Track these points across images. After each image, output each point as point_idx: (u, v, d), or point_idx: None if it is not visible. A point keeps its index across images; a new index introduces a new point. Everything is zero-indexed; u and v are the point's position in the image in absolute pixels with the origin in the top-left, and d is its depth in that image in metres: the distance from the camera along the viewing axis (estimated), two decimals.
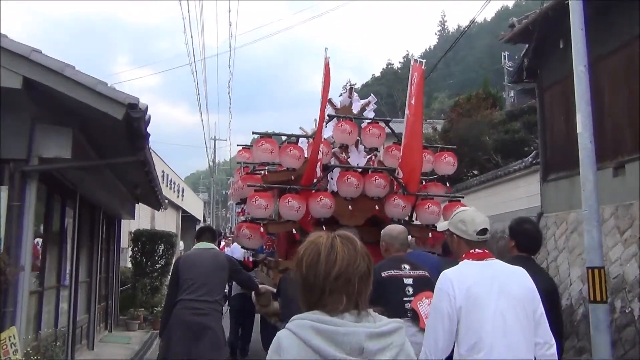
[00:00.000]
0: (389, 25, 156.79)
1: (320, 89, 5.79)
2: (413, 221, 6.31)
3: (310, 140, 6.58)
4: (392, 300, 3.35)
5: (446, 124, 14.85)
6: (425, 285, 3.62)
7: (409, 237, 4.72)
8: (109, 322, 9.42)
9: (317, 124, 5.79)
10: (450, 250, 2.96)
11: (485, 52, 61.45)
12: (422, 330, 3.01)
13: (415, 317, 3.51)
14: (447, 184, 7.14)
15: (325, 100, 5.85)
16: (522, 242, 3.73)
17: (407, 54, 74.14)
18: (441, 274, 2.62)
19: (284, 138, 6.86)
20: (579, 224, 9.65)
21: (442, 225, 3.05)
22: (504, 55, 42.83)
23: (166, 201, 11.09)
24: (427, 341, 2.52)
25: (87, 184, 6.08)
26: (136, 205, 16.42)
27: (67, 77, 3.76)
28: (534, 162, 11.40)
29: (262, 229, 5.63)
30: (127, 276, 11.24)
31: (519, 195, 12.07)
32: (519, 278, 2.59)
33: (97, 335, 8.28)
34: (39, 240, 5.29)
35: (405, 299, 3.57)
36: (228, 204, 71.90)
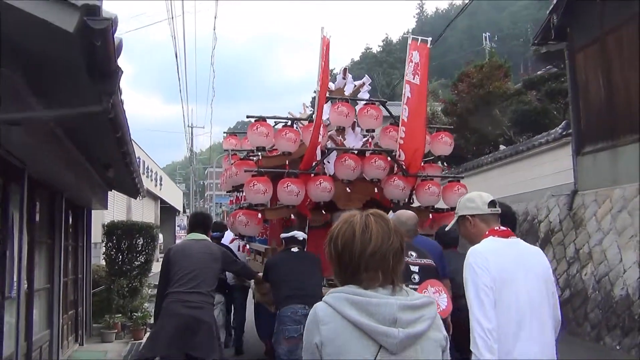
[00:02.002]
0: (365, 9, 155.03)
1: (318, 70, 5.56)
2: (412, 203, 6.19)
3: (302, 124, 6.47)
4: None
5: (453, 97, 13.49)
6: (431, 273, 3.67)
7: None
8: (79, 333, 7.81)
9: (317, 105, 5.55)
10: (464, 236, 2.88)
11: (465, 34, 60.75)
12: None
13: None
14: (445, 164, 7.37)
15: (326, 81, 5.68)
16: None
17: (386, 37, 73.14)
18: (470, 249, 2.60)
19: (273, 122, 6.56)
20: (627, 201, 8.38)
21: (452, 223, 2.95)
22: (485, 37, 42.09)
23: (145, 188, 9.45)
24: (476, 322, 2.42)
25: (40, 161, 4.49)
26: (110, 194, 14.75)
27: None
28: (564, 133, 10.08)
29: (259, 215, 5.52)
30: (101, 276, 9.62)
31: (543, 172, 10.75)
32: (540, 258, 2.65)
33: (63, 352, 6.69)
34: None
35: (410, 286, 3.18)
36: (206, 194, 70.74)
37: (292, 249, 4.92)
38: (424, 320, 1.60)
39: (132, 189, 7.93)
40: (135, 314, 8.50)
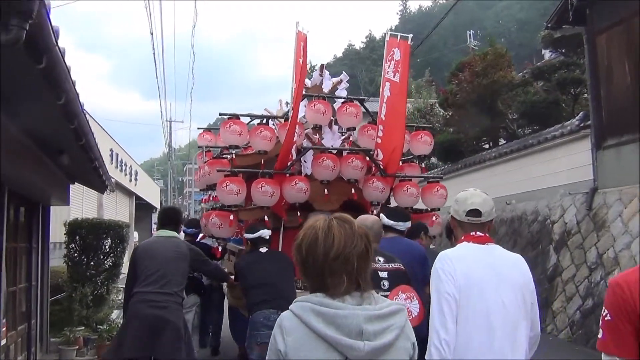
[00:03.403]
0: (347, 5, 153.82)
1: (294, 66, 5.41)
2: (389, 204, 5.98)
3: (279, 121, 6.31)
4: None
5: (453, 87, 12.54)
6: (401, 279, 3.54)
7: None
8: (32, 350, 6.62)
9: (293, 103, 5.39)
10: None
11: (449, 31, 60.34)
12: None
13: None
14: (423, 165, 7.19)
15: (303, 78, 5.50)
16: None
17: (370, 34, 72.62)
18: (440, 254, 2.52)
19: (248, 119, 6.52)
20: None
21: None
22: (469, 34, 41.65)
23: (113, 181, 8.28)
24: (434, 330, 2.34)
25: None
26: (78, 189, 13.47)
27: None
28: (582, 125, 9.16)
29: (232, 217, 5.42)
30: (63, 280, 8.40)
31: (557, 167, 9.84)
32: (520, 266, 2.52)
33: None
34: None
35: (381, 293, 2.85)
36: (184, 191, 69.33)
37: (261, 249, 4.73)
38: (392, 330, 1.60)
39: (97, 182, 6.76)
40: (101, 326, 7.34)
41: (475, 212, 2.53)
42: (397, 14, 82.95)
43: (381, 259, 3.57)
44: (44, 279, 7.31)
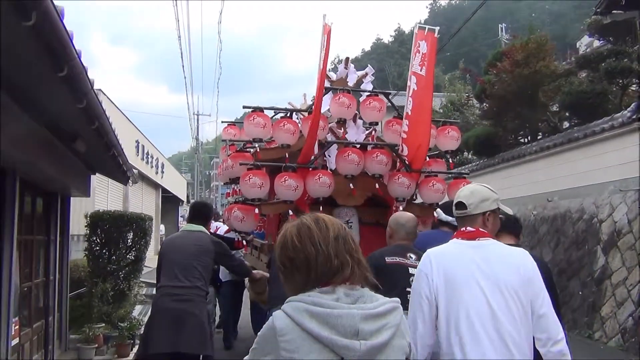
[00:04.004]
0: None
1: (319, 60, 5.31)
2: (414, 199, 5.87)
3: (302, 115, 6.21)
4: (395, 289, 2.99)
5: (491, 77, 11.88)
6: None
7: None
8: (49, 348, 6.33)
9: (315, 96, 5.38)
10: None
11: (479, 25, 59.13)
12: None
13: None
14: (450, 160, 7.06)
15: (325, 71, 5.43)
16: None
17: (399, 27, 71.83)
18: (424, 253, 2.42)
19: (273, 113, 6.25)
20: None
21: None
22: (501, 27, 40.52)
23: (135, 172, 7.95)
24: (410, 317, 2.29)
25: None
26: (103, 180, 13.24)
27: None
28: (634, 117, 8.49)
29: (255, 211, 5.32)
30: (85, 273, 8.10)
31: (605, 162, 9.16)
32: (519, 264, 2.27)
33: None
34: None
35: (408, 289, 2.90)
36: (212, 185, 69.63)
37: None
38: (388, 329, 1.56)
39: (117, 172, 6.41)
40: (122, 324, 7.01)
41: (460, 205, 2.43)
42: (427, 7, 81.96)
43: (413, 256, 3.46)
44: (63, 273, 7.02)
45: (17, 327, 5.04)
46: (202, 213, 4.59)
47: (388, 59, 62.67)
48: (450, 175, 6.30)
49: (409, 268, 3.36)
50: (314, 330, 1.48)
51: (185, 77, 28.59)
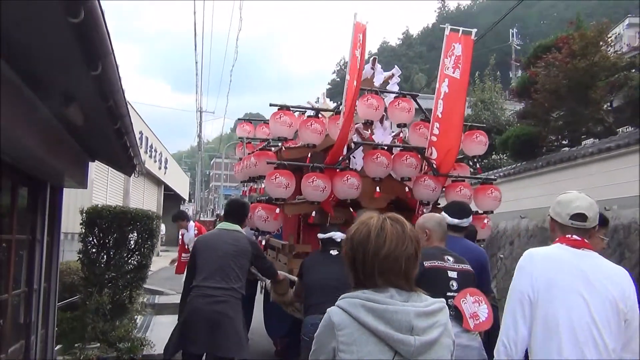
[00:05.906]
0: (382, 2, 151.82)
1: (351, 59, 5.20)
2: (439, 204, 5.73)
3: (323, 115, 6.07)
4: (435, 294, 2.50)
5: (540, 70, 10.68)
6: (470, 281, 3.39)
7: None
8: None
9: (346, 97, 5.21)
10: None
11: (489, 31, 58.06)
12: (466, 331, 3.07)
13: (458, 316, 3.17)
14: (478, 165, 7.42)
15: (361, 71, 5.35)
16: None
17: (407, 31, 71.20)
18: (526, 251, 2.44)
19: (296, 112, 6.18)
20: None
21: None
22: (512, 33, 39.53)
23: (143, 161, 6.71)
24: (504, 327, 2.30)
25: None
26: (102, 171, 11.91)
27: None
28: None
29: (277, 211, 5.30)
30: (79, 277, 6.85)
31: None
32: (620, 280, 2.29)
33: None
34: None
35: (448, 293, 3.21)
36: (211, 185, 68.58)
37: (331, 252, 4.49)
38: (438, 327, 1.63)
39: (123, 158, 5.14)
40: (121, 344, 5.75)
41: (580, 217, 2.38)
42: (435, 11, 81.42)
43: (450, 258, 3.40)
44: (52, 281, 5.72)
45: None
46: (237, 212, 4.51)
47: (395, 62, 61.91)
48: (477, 181, 6.19)
49: (448, 271, 3.32)
50: (371, 324, 1.56)
51: (197, 74, 27.49)
